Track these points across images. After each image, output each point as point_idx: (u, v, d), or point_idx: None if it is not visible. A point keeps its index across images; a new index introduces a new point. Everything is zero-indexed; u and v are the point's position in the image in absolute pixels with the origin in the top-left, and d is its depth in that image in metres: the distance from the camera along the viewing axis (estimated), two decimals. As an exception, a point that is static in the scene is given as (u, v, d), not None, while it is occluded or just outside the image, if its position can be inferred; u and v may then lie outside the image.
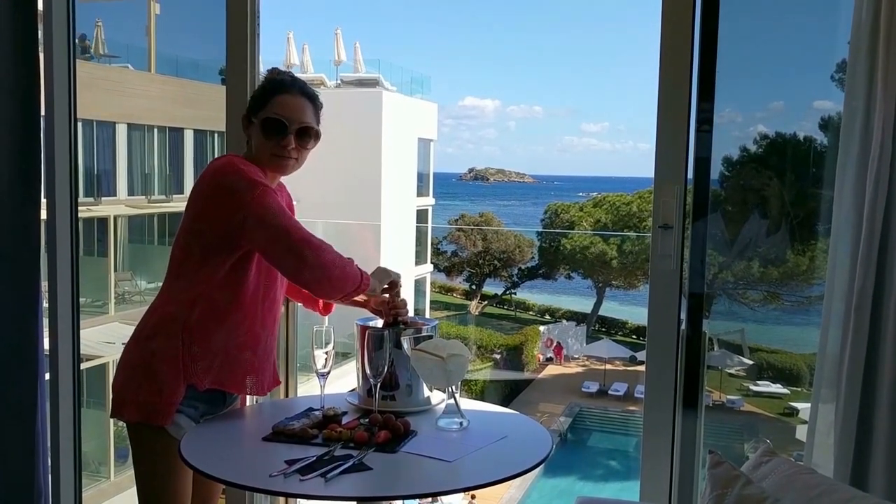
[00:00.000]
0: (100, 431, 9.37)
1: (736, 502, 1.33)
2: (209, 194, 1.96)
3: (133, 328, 2.05)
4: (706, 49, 2.16)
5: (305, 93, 2.08)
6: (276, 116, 2.02)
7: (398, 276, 2.13)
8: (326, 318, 2.22)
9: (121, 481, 9.80)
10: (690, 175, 2.18)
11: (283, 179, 2.17)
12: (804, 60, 2.51)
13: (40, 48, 2.78)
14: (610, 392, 20.74)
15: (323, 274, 1.91)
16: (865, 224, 1.76)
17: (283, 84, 2.06)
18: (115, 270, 12.57)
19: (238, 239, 1.92)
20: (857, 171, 1.82)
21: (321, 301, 2.22)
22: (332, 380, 2.07)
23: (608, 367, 22.09)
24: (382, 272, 2.10)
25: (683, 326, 2.20)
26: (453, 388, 1.92)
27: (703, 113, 2.19)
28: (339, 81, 19.80)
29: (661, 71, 2.17)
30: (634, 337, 25.44)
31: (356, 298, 2.07)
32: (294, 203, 2.23)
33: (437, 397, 2.09)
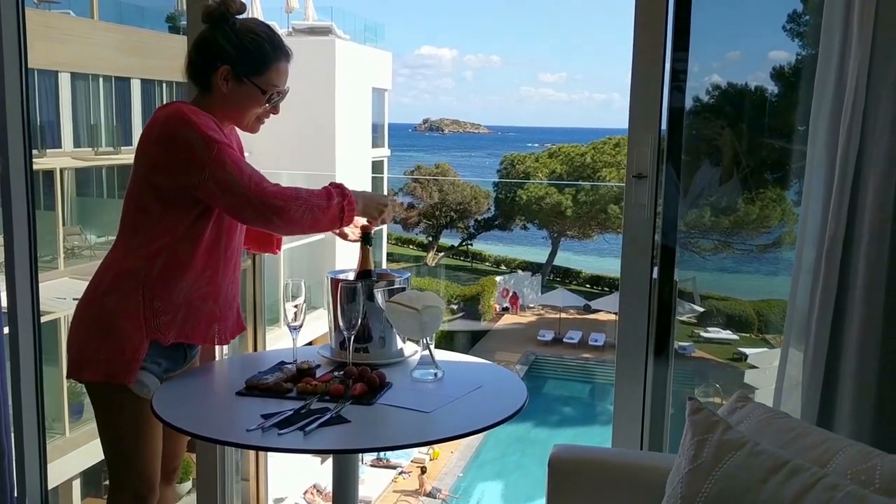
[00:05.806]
0: (53, 388, 9.24)
1: (717, 447, 1.36)
2: (163, 147, 1.86)
3: (85, 284, 1.98)
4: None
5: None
6: (280, 89, 1.97)
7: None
8: (280, 265, 2.15)
9: (76, 437, 9.72)
10: (664, 125, 2.18)
11: None
12: (760, 9, 2.51)
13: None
14: (565, 340, 21.12)
15: (293, 228, 1.90)
16: (838, 172, 1.77)
17: (283, 51, 1.97)
18: (64, 225, 12.26)
19: (198, 196, 1.86)
20: (830, 117, 1.81)
21: (274, 244, 2.21)
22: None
23: (563, 315, 22.43)
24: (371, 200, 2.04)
25: (655, 275, 2.22)
26: (428, 339, 1.92)
27: (679, 62, 2.19)
28: (290, 30, 19.29)
29: (637, 16, 2.14)
30: (588, 286, 25.82)
31: None
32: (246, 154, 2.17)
33: (410, 349, 2.09)
